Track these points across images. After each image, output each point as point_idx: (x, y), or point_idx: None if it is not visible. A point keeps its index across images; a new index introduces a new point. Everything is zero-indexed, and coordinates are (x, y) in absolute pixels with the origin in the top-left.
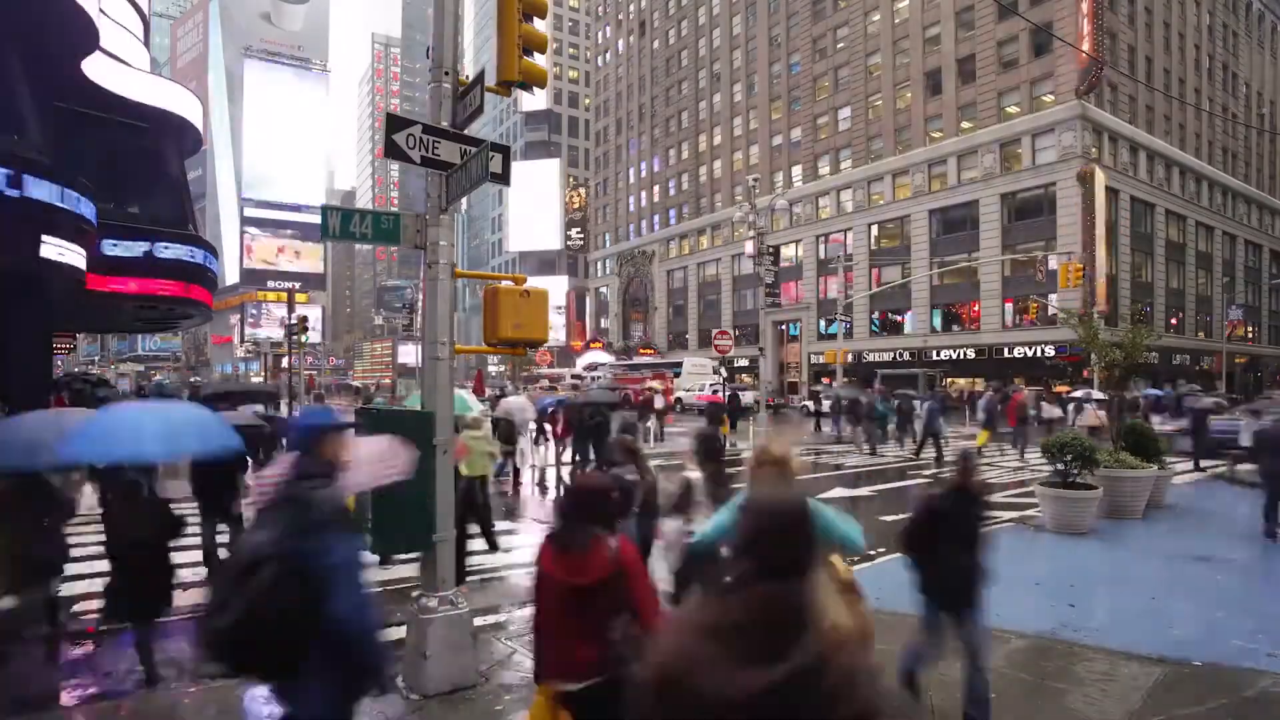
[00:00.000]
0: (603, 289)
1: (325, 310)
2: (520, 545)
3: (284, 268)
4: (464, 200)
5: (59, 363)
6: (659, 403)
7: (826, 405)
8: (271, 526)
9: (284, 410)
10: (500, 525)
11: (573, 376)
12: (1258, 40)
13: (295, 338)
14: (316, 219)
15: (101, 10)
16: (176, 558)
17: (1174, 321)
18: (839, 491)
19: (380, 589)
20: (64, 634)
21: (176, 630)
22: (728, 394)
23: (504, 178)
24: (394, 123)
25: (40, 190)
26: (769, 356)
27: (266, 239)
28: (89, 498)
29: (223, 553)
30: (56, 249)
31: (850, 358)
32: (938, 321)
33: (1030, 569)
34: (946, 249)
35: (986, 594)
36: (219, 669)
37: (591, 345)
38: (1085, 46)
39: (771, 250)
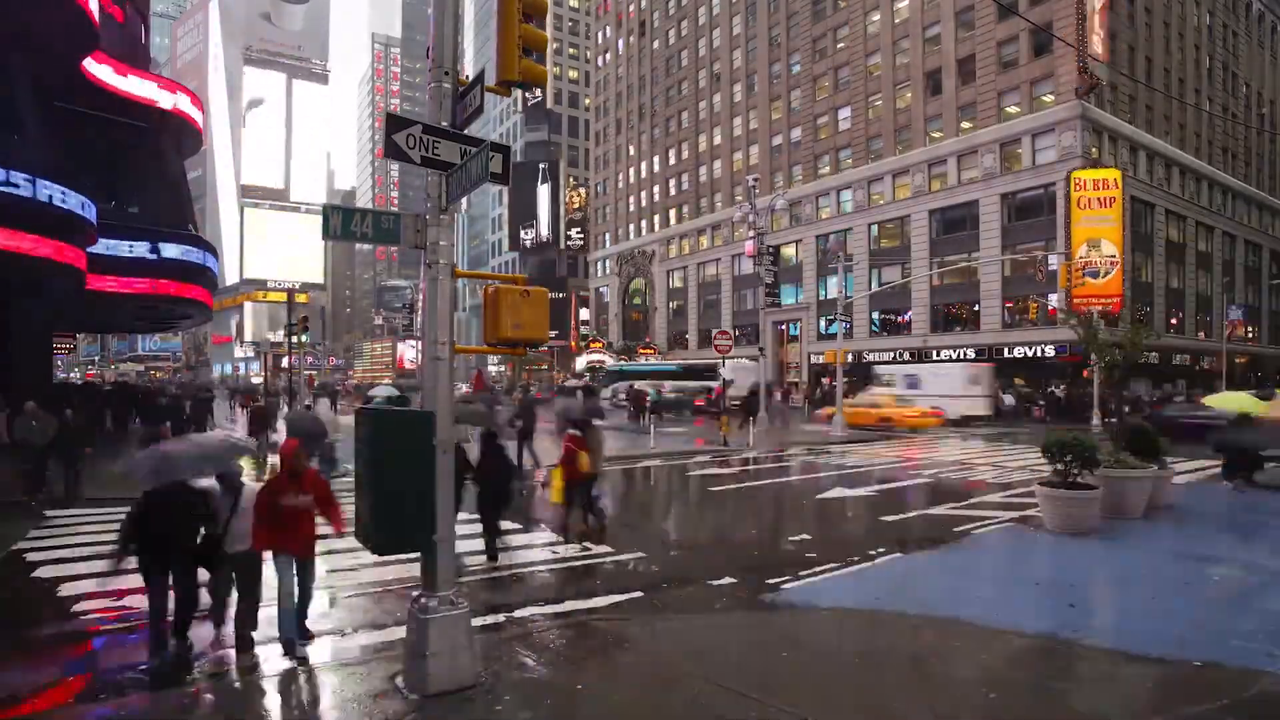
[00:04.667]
0: (603, 289)
1: (325, 310)
2: (521, 545)
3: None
4: (464, 200)
5: (59, 362)
6: None
7: None
8: None
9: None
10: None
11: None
12: (1258, 40)
13: (295, 338)
14: (317, 219)
15: (101, 10)
16: None
17: (1174, 321)
18: (838, 491)
19: (380, 589)
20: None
21: None
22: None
23: (504, 178)
24: (394, 123)
25: (40, 190)
26: (769, 356)
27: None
28: None
29: None
30: (55, 249)
31: (850, 358)
32: (938, 321)
33: (1030, 569)
34: (946, 249)
35: (986, 594)
36: None
37: (591, 345)
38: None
39: (771, 250)
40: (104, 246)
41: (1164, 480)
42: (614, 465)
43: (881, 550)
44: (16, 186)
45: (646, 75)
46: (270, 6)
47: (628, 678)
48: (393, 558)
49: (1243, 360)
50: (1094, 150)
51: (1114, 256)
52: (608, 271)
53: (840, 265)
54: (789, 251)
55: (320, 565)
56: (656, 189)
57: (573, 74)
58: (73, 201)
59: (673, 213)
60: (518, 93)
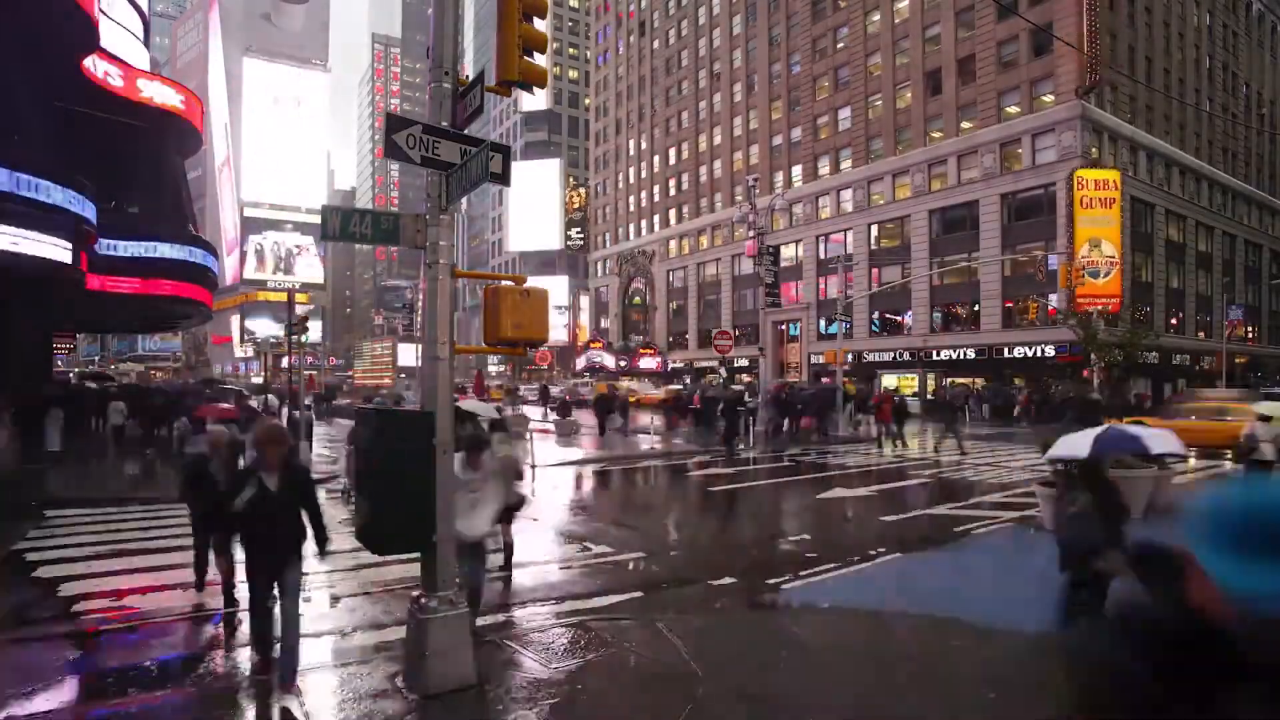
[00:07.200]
0: (603, 289)
1: (325, 310)
2: (520, 545)
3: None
4: (464, 200)
5: (59, 362)
6: None
7: None
8: None
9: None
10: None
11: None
12: (1257, 40)
13: (295, 338)
14: (316, 219)
15: (101, 10)
16: None
17: (1174, 322)
18: (838, 491)
19: (380, 589)
20: None
21: None
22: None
23: (504, 178)
24: (394, 123)
25: (40, 190)
26: (769, 356)
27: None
28: None
29: None
30: (56, 248)
31: (850, 358)
32: (938, 321)
33: (1030, 569)
34: (946, 249)
35: (986, 594)
36: None
37: (591, 345)
38: (1084, 46)
39: (771, 250)
40: (104, 246)
41: (1164, 480)
42: (616, 465)
43: (882, 550)
44: (17, 187)
45: (646, 75)
46: (270, 6)
47: (628, 677)
48: (393, 558)
49: (1242, 360)
50: (1094, 150)
51: (1113, 257)
52: (607, 271)
53: (841, 266)
54: (789, 251)
55: (320, 565)
56: (656, 189)
57: (573, 74)
58: (73, 202)
59: (673, 213)
60: (518, 93)
